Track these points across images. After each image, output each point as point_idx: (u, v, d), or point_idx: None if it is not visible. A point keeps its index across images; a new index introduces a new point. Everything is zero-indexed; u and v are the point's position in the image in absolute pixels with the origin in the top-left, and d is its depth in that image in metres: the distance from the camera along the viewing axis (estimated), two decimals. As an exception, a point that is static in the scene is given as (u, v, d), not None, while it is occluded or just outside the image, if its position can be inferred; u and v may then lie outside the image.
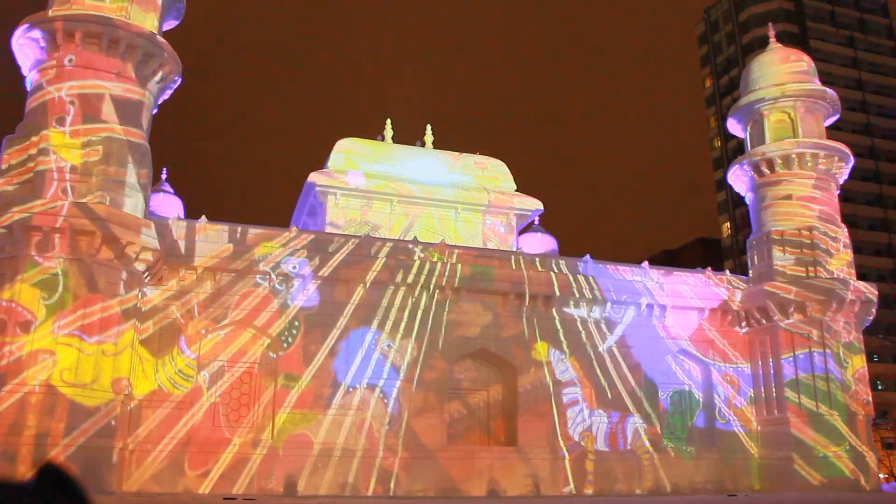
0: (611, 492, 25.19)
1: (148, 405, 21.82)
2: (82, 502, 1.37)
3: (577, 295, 26.70)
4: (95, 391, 19.54)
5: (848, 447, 26.10)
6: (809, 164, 28.92)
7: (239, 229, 24.19)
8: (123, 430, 20.83)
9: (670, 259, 77.30)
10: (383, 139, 32.58)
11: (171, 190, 33.15)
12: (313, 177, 29.12)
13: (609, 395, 26.51)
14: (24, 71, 22.88)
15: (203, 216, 23.97)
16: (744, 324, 28.91)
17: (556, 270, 26.89)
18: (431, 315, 25.23)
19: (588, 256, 27.70)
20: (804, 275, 27.87)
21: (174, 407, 22.07)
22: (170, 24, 26.05)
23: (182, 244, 23.01)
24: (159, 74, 23.16)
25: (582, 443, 25.82)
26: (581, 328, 26.85)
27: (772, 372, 27.76)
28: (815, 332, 27.13)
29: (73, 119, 21.07)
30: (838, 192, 30.08)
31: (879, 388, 58.42)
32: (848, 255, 28.58)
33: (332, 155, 30.41)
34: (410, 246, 25.71)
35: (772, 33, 32.83)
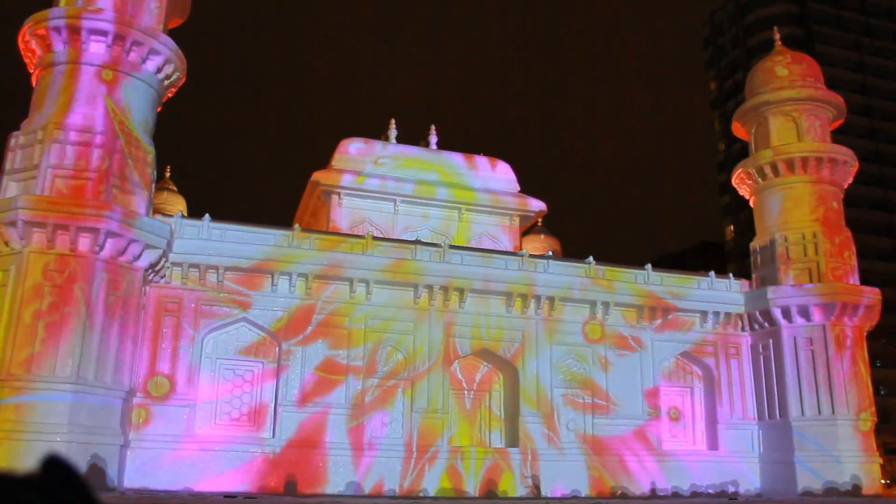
0: (613, 492, 25.18)
1: (150, 402, 21.84)
2: (87, 496, 1.36)
3: (580, 297, 26.69)
4: (98, 387, 19.58)
5: (850, 452, 26.05)
6: (813, 168, 28.87)
7: (242, 228, 24.21)
8: (125, 427, 20.86)
9: (674, 262, 77.20)
10: (388, 139, 32.57)
11: (174, 188, 33.22)
12: (317, 176, 29.12)
13: (612, 396, 26.50)
14: (30, 68, 22.95)
15: (206, 214, 23.99)
16: (747, 327, 28.88)
17: (559, 272, 26.87)
18: (435, 315, 25.23)
19: (591, 258, 27.67)
20: (807, 279, 27.83)
21: (177, 404, 22.09)
22: (175, 23, 26.10)
23: (185, 242, 23.03)
24: (164, 72, 23.20)
25: (584, 444, 25.83)
26: (584, 330, 26.84)
27: (774, 376, 27.71)
28: (818, 336, 27.08)
29: (78, 116, 21.11)
30: (842, 196, 30.00)
31: (882, 393, 58.19)
32: (852, 259, 28.51)
33: (337, 154, 30.39)
34: (414, 246, 25.70)
35: (777, 37, 32.77)
